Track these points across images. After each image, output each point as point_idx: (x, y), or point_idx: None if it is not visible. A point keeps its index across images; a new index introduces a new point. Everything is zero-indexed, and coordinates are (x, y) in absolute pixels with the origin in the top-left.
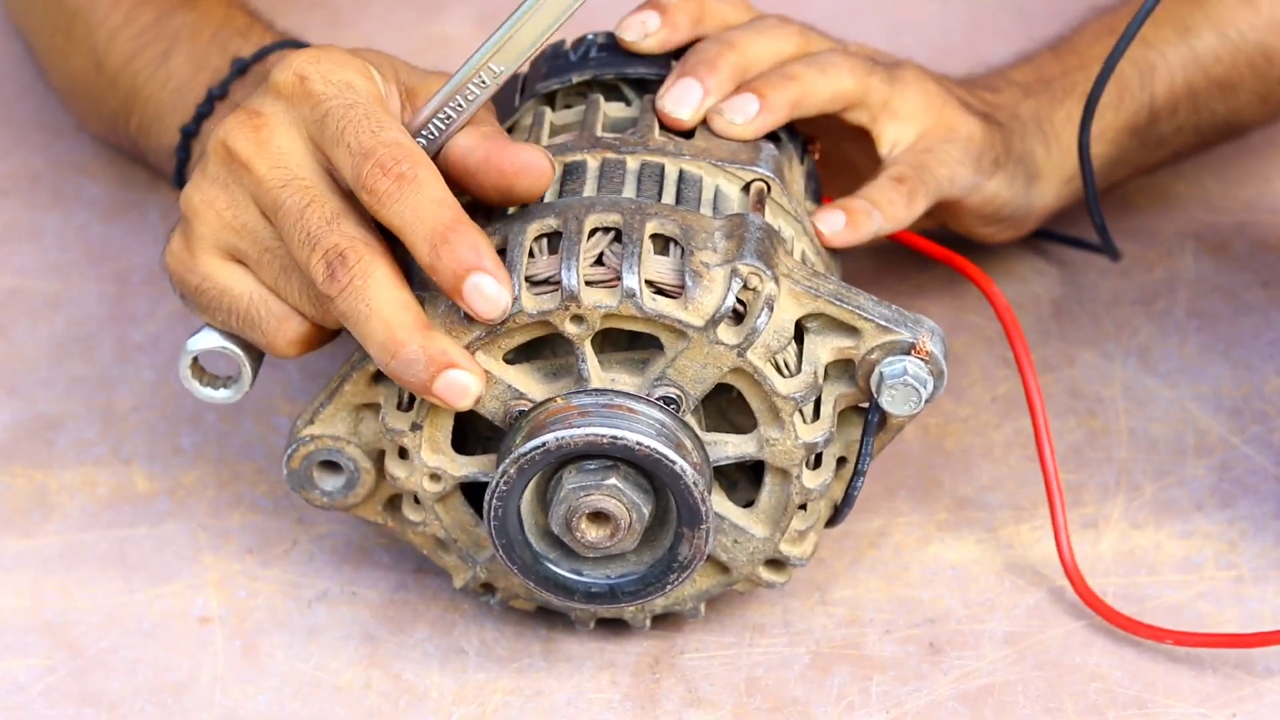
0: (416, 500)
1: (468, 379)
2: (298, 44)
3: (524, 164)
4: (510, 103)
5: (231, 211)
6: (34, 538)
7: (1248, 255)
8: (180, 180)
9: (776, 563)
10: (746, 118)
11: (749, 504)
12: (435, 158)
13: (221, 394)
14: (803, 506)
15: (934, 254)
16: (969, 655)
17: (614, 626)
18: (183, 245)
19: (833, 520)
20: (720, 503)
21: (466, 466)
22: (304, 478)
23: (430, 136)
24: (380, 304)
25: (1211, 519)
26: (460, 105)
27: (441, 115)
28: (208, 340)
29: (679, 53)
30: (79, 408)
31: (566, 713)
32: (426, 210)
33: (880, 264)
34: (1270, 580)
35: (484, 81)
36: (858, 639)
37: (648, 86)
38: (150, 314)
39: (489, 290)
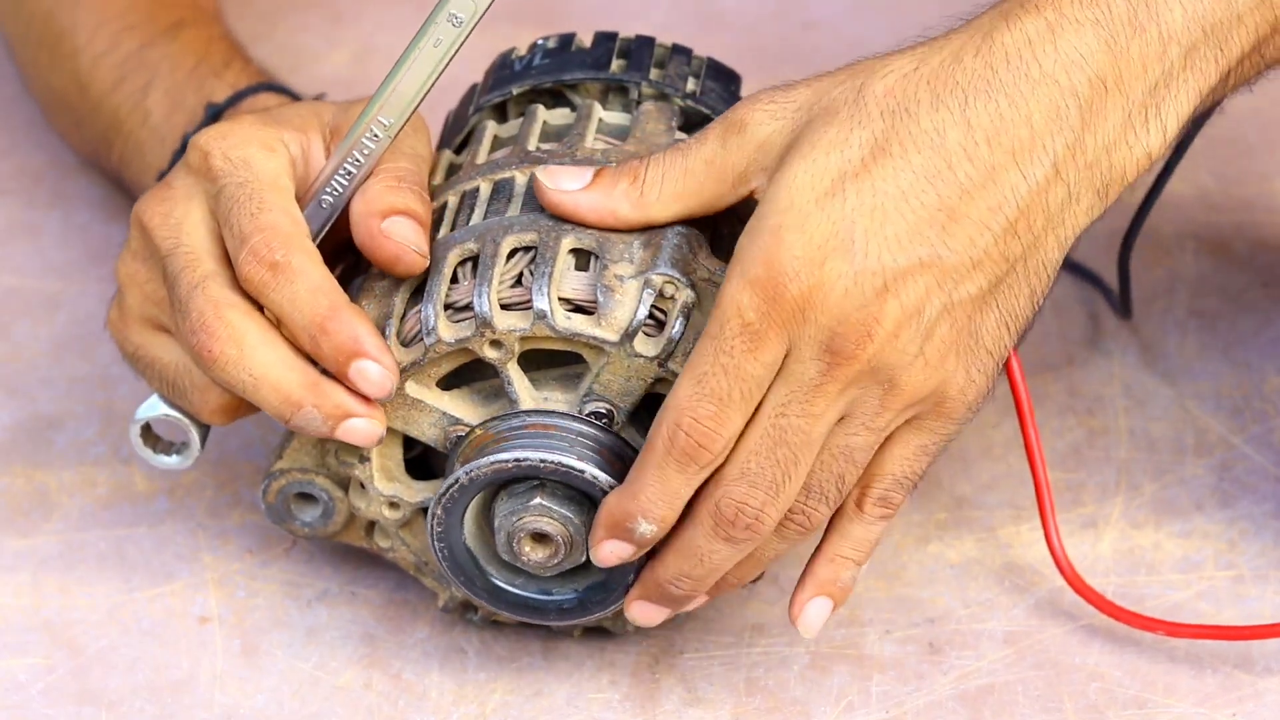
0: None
1: (366, 425)
2: (272, 86)
3: (390, 257)
4: (464, 112)
5: (151, 284)
6: (33, 537)
7: (1248, 255)
8: None
9: None
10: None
11: None
12: (341, 214)
13: (173, 460)
14: None
15: None
16: (968, 655)
17: None
18: (118, 315)
19: None
20: None
21: (423, 492)
22: (282, 510)
23: (334, 193)
24: (262, 370)
25: (1211, 518)
26: (358, 160)
27: (341, 172)
28: (154, 408)
29: (621, 53)
30: (79, 407)
31: (566, 712)
32: (302, 299)
33: None
34: (1270, 579)
35: (376, 135)
36: (857, 639)
37: (589, 90)
38: None
39: (373, 374)
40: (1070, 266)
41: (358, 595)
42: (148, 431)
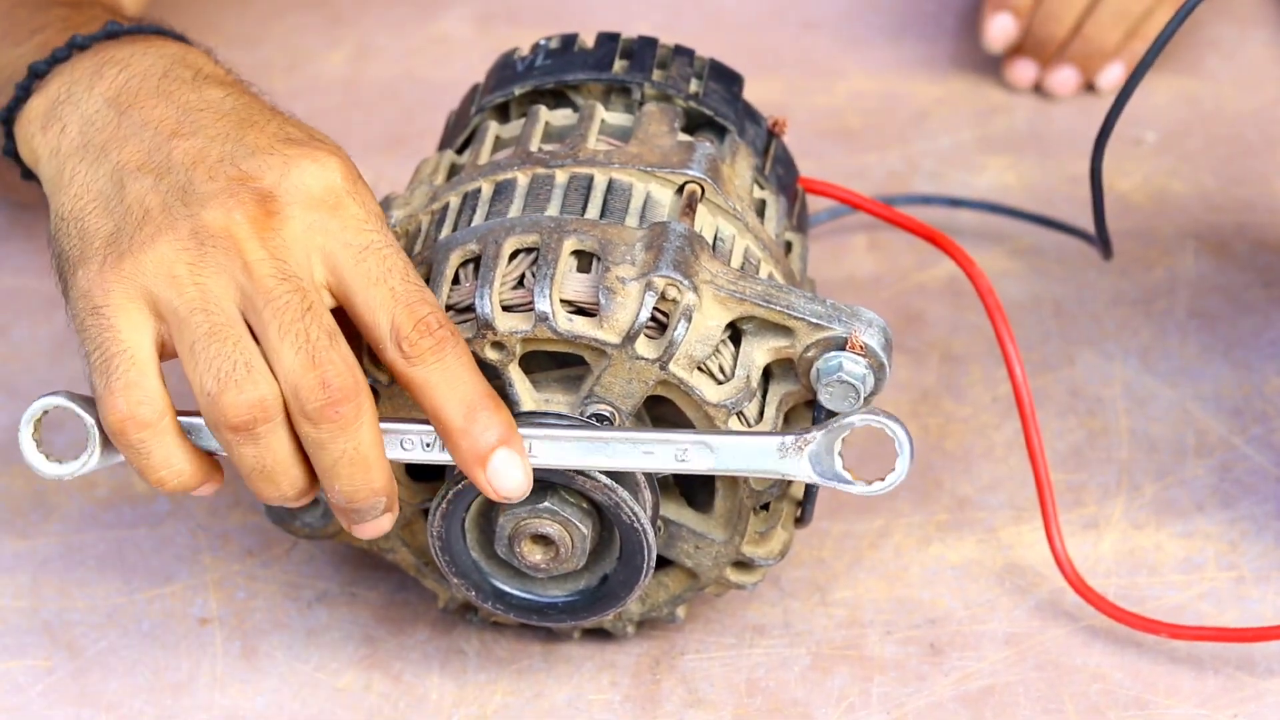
0: None
1: (516, 469)
2: (160, 29)
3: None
4: (467, 112)
5: (196, 274)
6: (33, 538)
7: (1248, 255)
8: (10, 147)
9: (743, 564)
10: None
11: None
12: None
13: (64, 467)
14: (765, 507)
15: (918, 232)
16: (970, 656)
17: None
18: (115, 264)
19: (800, 519)
20: (677, 510)
21: (423, 493)
22: (283, 511)
23: None
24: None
25: (1212, 519)
26: None
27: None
28: (51, 400)
29: (623, 54)
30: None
31: (566, 714)
32: (469, 371)
33: (880, 263)
34: (1271, 580)
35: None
36: (858, 640)
37: (592, 91)
38: None
39: (518, 475)
40: (1047, 223)
41: (358, 597)
42: (38, 427)
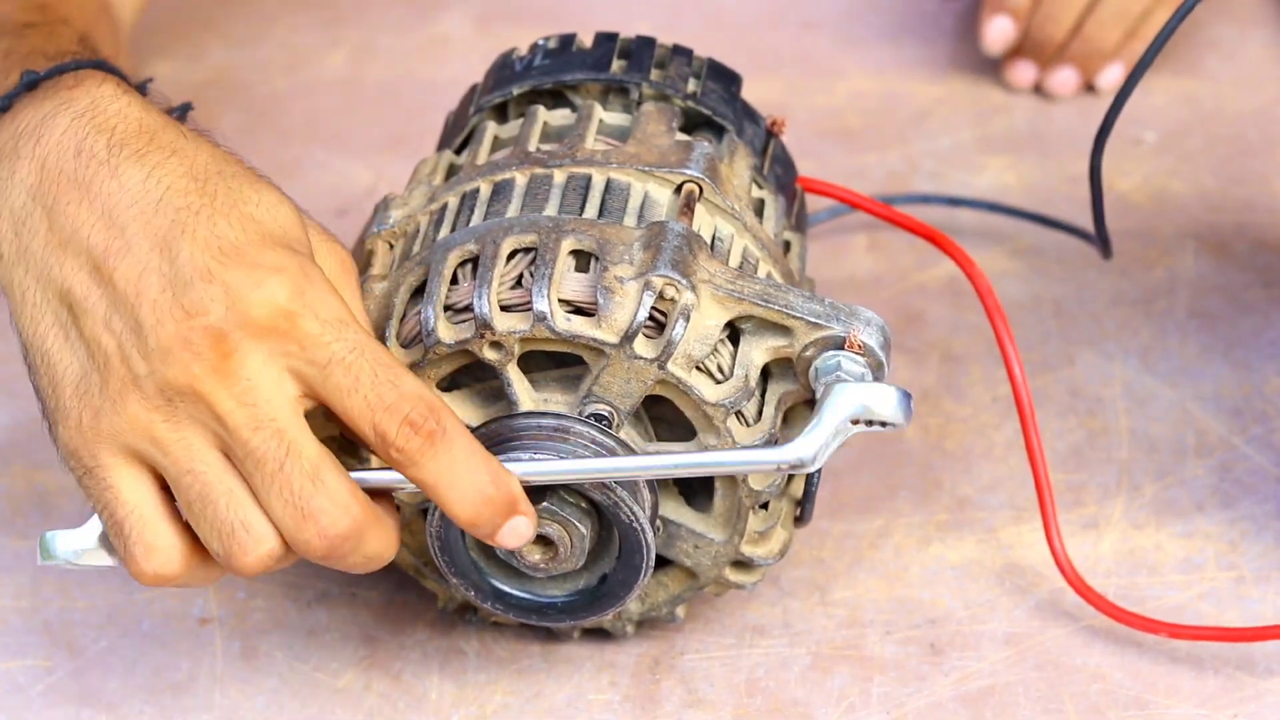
0: None
1: (527, 525)
2: (100, 64)
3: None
4: (465, 112)
5: (174, 433)
6: (33, 538)
7: (1248, 255)
8: None
9: (742, 564)
10: None
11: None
12: None
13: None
14: (764, 506)
15: (918, 232)
16: (970, 656)
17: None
18: (90, 422)
19: (800, 519)
20: (675, 509)
21: (420, 494)
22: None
23: None
24: (394, 538)
25: (1212, 519)
26: None
27: None
28: (75, 540)
29: (621, 54)
30: None
31: (566, 714)
32: (462, 466)
33: (880, 263)
34: (1271, 580)
35: None
36: (858, 640)
37: (590, 90)
38: None
39: (524, 528)
40: (1047, 222)
41: (357, 597)
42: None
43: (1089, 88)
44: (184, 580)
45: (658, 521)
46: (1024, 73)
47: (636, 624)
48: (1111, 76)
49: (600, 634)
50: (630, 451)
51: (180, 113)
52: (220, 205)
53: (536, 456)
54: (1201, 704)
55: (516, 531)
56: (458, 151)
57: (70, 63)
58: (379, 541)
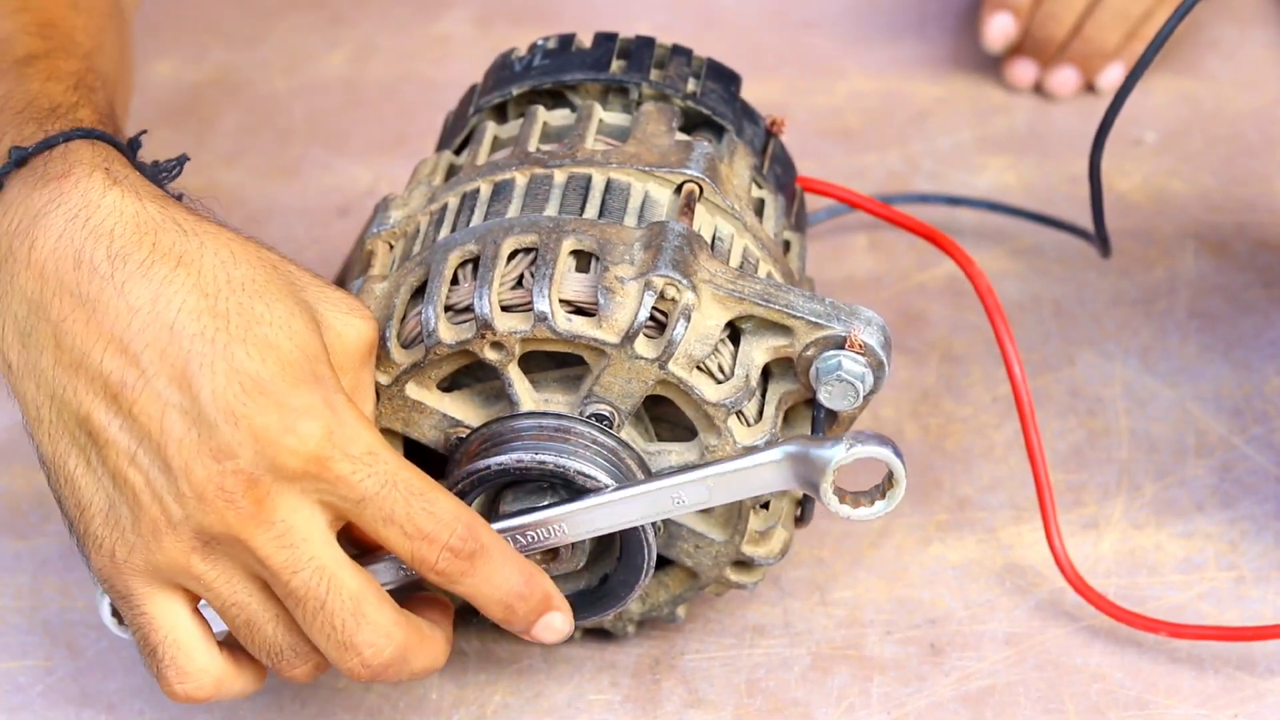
0: None
1: (564, 621)
2: (89, 132)
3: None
4: (464, 113)
5: (213, 570)
6: (33, 538)
7: (1248, 255)
8: None
9: (743, 564)
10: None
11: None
12: None
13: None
14: (765, 506)
15: (917, 231)
16: (970, 656)
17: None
18: (123, 552)
19: (800, 519)
20: None
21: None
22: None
23: None
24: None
25: (1212, 519)
26: None
27: None
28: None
29: (621, 54)
30: None
31: (566, 714)
32: (499, 578)
33: (880, 263)
34: (1271, 580)
35: None
36: (858, 640)
37: (589, 91)
38: None
39: (559, 624)
40: (1046, 221)
41: None
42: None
43: (1089, 88)
44: (215, 699)
45: (659, 522)
46: (1024, 72)
47: (637, 624)
48: (1112, 76)
49: (601, 634)
50: (631, 450)
51: (177, 165)
52: (235, 330)
53: (536, 454)
54: (1201, 704)
55: (551, 627)
56: (457, 152)
57: (58, 136)
58: (426, 658)
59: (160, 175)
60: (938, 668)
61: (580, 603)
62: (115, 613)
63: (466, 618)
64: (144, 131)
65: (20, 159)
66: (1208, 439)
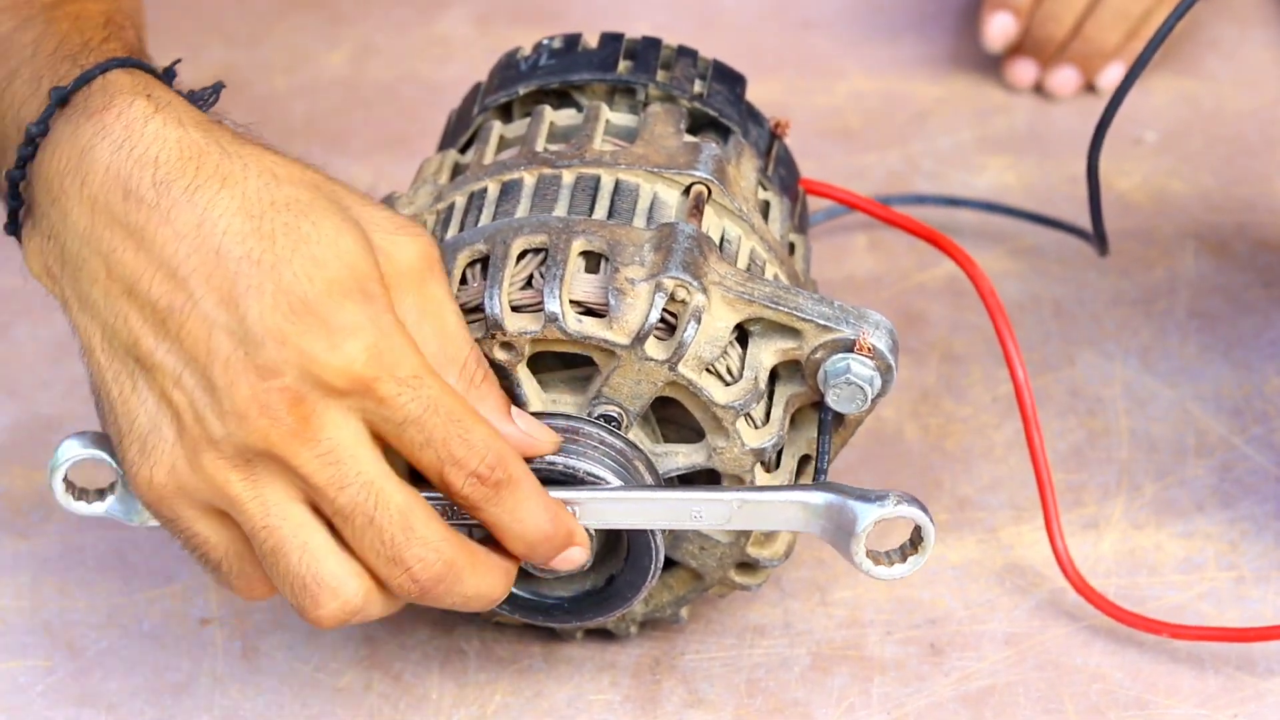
0: None
1: (581, 553)
2: (124, 61)
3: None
4: (469, 111)
5: (249, 490)
6: (33, 538)
7: (1248, 255)
8: (13, 227)
9: (748, 565)
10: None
11: None
12: None
13: (97, 507)
14: None
15: (917, 232)
16: (970, 656)
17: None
18: (169, 484)
19: None
20: None
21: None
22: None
23: None
24: (499, 569)
25: (1212, 519)
26: None
27: None
28: (72, 450)
29: (627, 54)
30: (79, 408)
31: (566, 714)
32: (525, 511)
33: (880, 263)
34: (1271, 580)
35: None
36: (858, 640)
37: (596, 91)
38: None
39: (578, 556)
40: (1045, 221)
41: None
42: (67, 479)
43: (1089, 88)
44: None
45: None
46: (1024, 71)
47: (640, 625)
48: (1112, 76)
49: (601, 634)
50: (639, 451)
51: (214, 93)
52: (282, 250)
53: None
54: (1201, 704)
55: (569, 559)
56: (462, 151)
57: (95, 69)
58: (478, 582)
59: (197, 103)
60: (938, 668)
61: (586, 603)
62: (70, 488)
63: (466, 617)
64: (179, 60)
65: (61, 98)
66: (1208, 439)
